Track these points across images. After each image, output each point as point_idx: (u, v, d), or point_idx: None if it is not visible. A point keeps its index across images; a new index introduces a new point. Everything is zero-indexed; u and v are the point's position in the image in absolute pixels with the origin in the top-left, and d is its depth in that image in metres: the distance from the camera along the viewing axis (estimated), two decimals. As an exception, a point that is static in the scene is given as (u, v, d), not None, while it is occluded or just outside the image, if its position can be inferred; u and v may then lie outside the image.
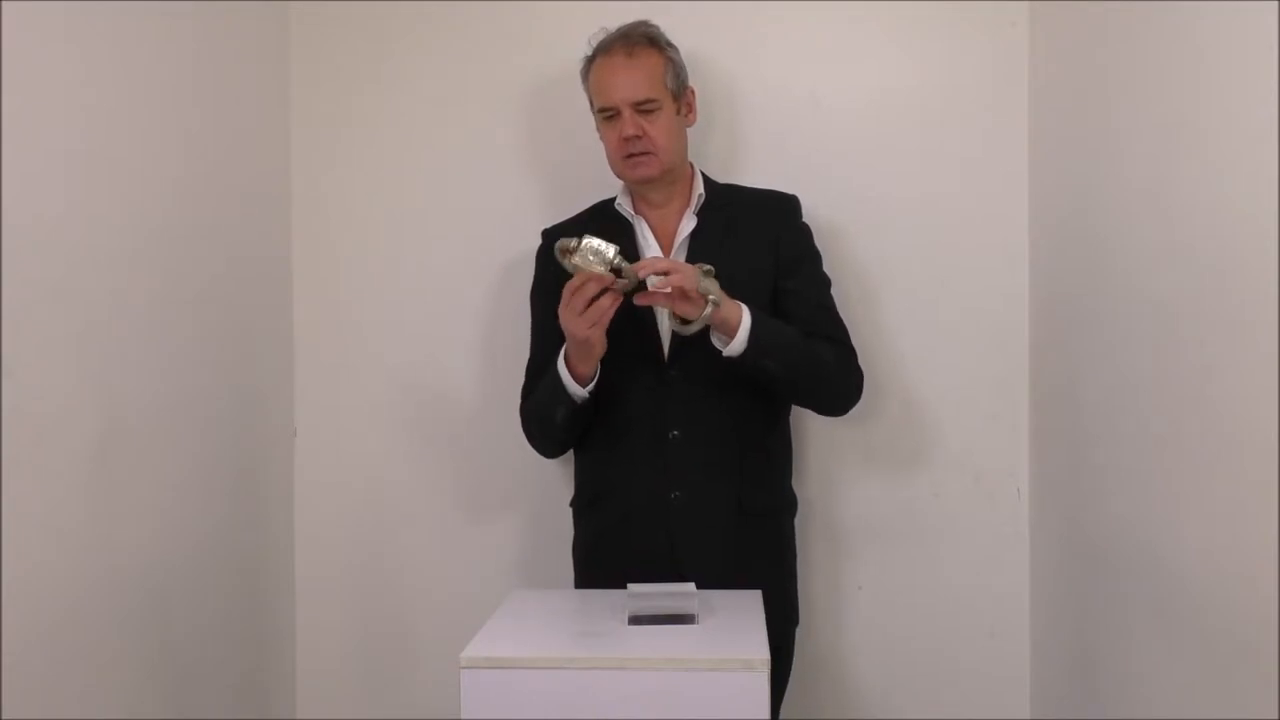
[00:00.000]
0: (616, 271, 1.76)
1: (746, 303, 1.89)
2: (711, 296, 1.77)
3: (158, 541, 1.91)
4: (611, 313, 1.79)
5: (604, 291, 1.76)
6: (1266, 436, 1.35)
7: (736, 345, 1.83)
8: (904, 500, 2.32)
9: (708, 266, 1.80)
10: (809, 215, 2.10)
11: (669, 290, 1.76)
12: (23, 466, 1.56)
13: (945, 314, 2.30)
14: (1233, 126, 1.45)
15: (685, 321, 1.81)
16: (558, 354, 1.95)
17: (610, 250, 1.75)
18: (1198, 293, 1.54)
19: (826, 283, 2.06)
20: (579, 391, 1.91)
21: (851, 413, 2.05)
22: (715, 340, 1.85)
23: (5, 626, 1.53)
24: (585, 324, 1.79)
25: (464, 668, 1.50)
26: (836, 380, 1.99)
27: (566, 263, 1.77)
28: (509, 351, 2.23)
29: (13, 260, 1.54)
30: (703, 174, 2.09)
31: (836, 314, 2.03)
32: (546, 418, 1.99)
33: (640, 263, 1.81)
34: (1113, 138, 1.87)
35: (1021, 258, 2.28)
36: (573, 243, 1.76)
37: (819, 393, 2.01)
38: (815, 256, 2.07)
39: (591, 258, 1.74)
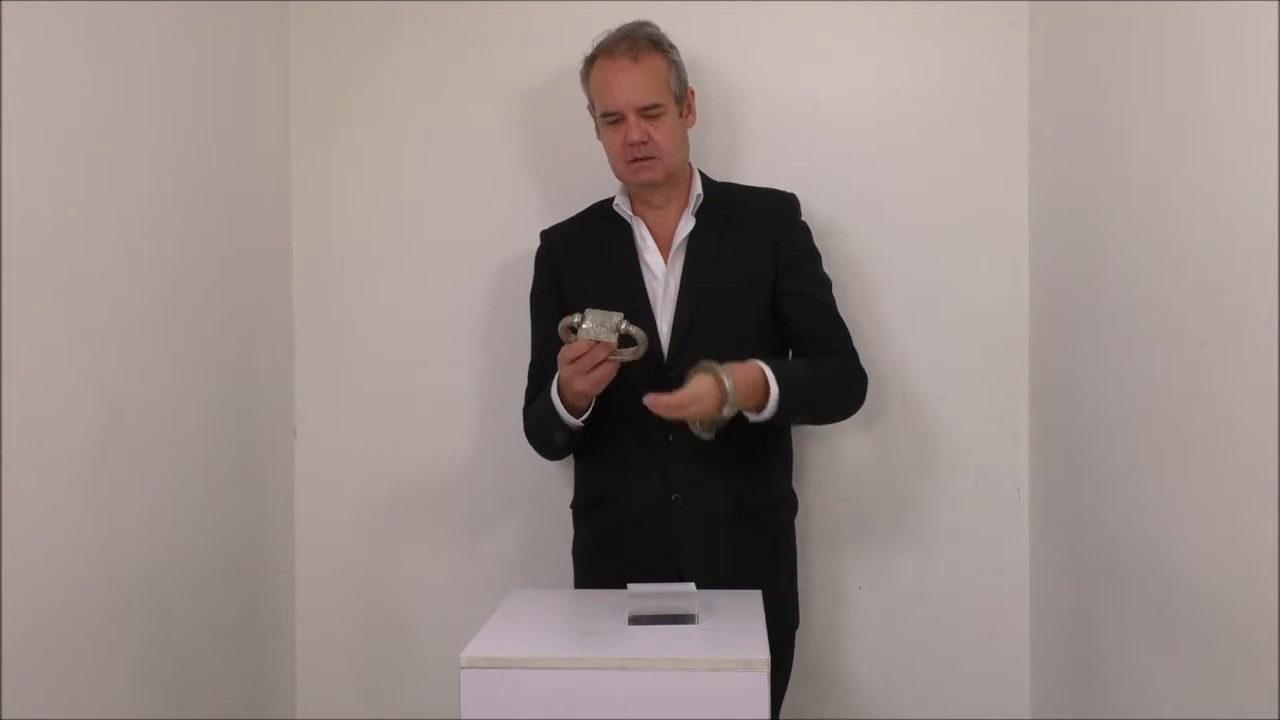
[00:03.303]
0: (626, 337, 1.78)
1: (744, 302, 1.91)
2: (703, 434, 1.78)
3: (158, 541, 1.91)
4: (612, 375, 1.82)
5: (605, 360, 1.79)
6: (1266, 436, 1.35)
7: (766, 414, 1.83)
8: (904, 500, 2.32)
9: (727, 390, 1.74)
10: (809, 215, 2.10)
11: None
12: (23, 466, 1.56)
13: (945, 314, 2.30)
14: (1233, 126, 1.45)
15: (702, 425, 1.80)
16: (555, 353, 1.96)
17: (616, 317, 1.78)
18: (1198, 293, 1.54)
19: (827, 282, 2.06)
20: (575, 422, 1.93)
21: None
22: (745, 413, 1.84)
23: (5, 626, 1.53)
24: (588, 383, 1.82)
25: (464, 668, 1.50)
26: (847, 399, 2.01)
27: (571, 339, 1.79)
28: (509, 351, 2.24)
29: (13, 260, 1.54)
30: (701, 173, 2.09)
31: (837, 315, 2.03)
32: (546, 436, 2.01)
33: (653, 401, 1.74)
34: (1113, 137, 1.87)
35: (1021, 258, 2.28)
36: (576, 318, 1.79)
37: (833, 417, 2.04)
38: (815, 256, 2.07)
39: (599, 328, 1.77)
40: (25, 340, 1.57)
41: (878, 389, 2.24)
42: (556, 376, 1.91)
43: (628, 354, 1.80)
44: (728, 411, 1.75)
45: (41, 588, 1.61)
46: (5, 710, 1.52)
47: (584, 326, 1.78)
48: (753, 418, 1.84)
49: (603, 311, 1.79)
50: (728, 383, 1.73)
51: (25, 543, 1.56)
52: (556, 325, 2.02)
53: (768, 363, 1.84)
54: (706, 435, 1.79)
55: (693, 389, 1.74)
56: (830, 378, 1.96)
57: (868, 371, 2.04)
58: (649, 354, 1.90)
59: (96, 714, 1.73)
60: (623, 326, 1.78)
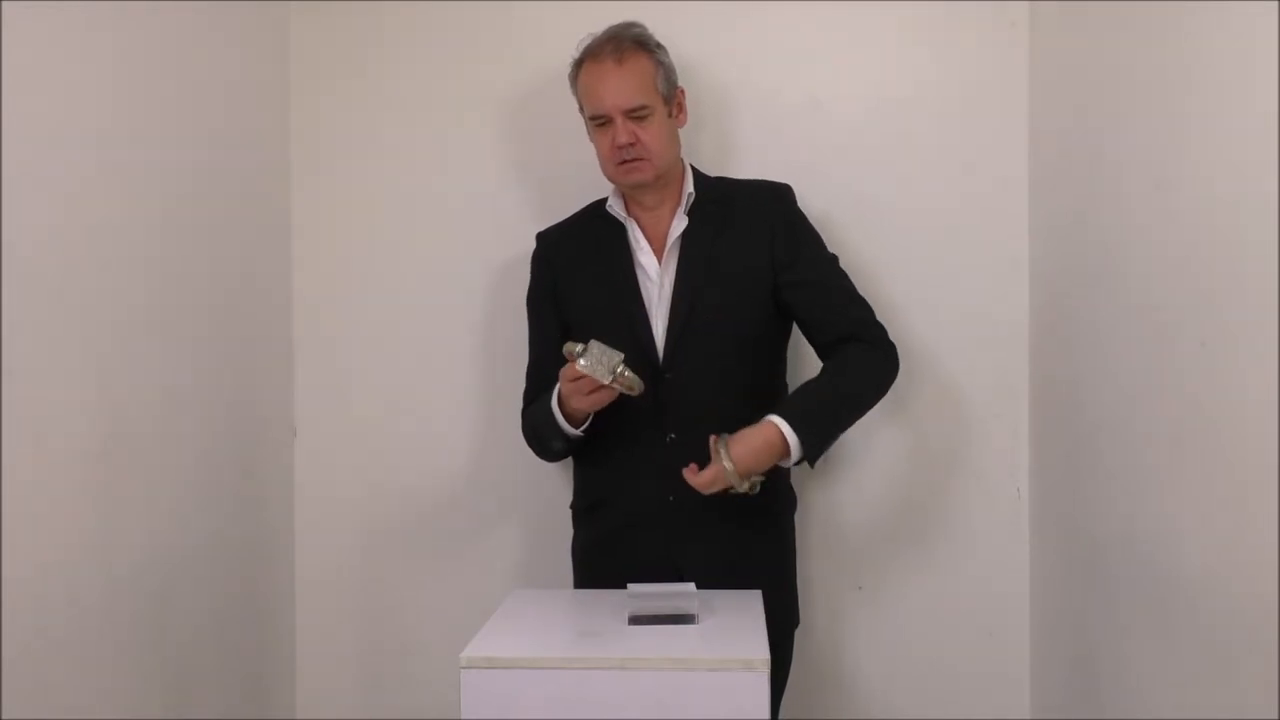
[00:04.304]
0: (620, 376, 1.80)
1: (740, 299, 1.91)
2: (745, 489, 1.79)
3: (158, 542, 1.91)
4: (610, 400, 1.84)
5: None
6: (1266, 436, 1.35)
7: (794, 459, 1.84)
8: (904, 500, 2.32)
9: (727, 473, 1.78)
10: (810, 216, 2.09)
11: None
12: (23, 467, 1.56)
13: (945, 314, 2.30)
14: (1232, 126, 1.45)
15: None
16: (553, 354, 1.97)
17: (616, 358, 1.78)
18: (1197, 292, 1.54)
19: (831, 261, 2.04)
20: (574, 432, 1.93)
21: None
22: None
23: (5, 626, 1.53)
24: (586, 403, 1.84)
25: (464, 668, 1.50)
26: (878, 383, 1.98)
27: (572, 364, 1.81)
28: (508, 351, 2.24)
29: (14, 260, 1.54)
30: (694, 169, 2.08)
31: (853, 290, 2.02)
32: (544, 443, 2.03)
33: (691, 479, 1.82)
34: (1113, 137, 1.87)
35: (1021, 258, 2.28)
36: (578, 347, 1.80)
37: (873, 405, 2.00)
38: (814, 240, 2.05)
39: (597, 365, 1.78)
40: (26, 340, 1.57)
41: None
42: (557, 387, 1.91)
43: (621, 387, 1.81)
44: (739, 489, 1.78)
45: (42, 588, 1.61)
46: (5, 710, 1.52)
47: (581, 362, 1.79)
48: (786, 464, 1.85)
49: (604, 348, 1.80)
50: (728, 466, 1.77)
51: (26, 542, 1.57)
52: (554, 327, 2.05)
53: (782, 411, 1.84)
54: (747, 490, 1.81)
55: (712, 474, 1.80)
56: (850, 378, 1.94)
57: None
58: (646, 357, 1.93)
59: (96, 714, 1.73)
60: (619, 370, 1.79)
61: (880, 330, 2.00)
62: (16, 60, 1.56)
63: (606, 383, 1.79)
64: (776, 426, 1.82)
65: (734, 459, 1.78)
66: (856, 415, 1.96)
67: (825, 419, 1.89)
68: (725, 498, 1.85)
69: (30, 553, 1.58)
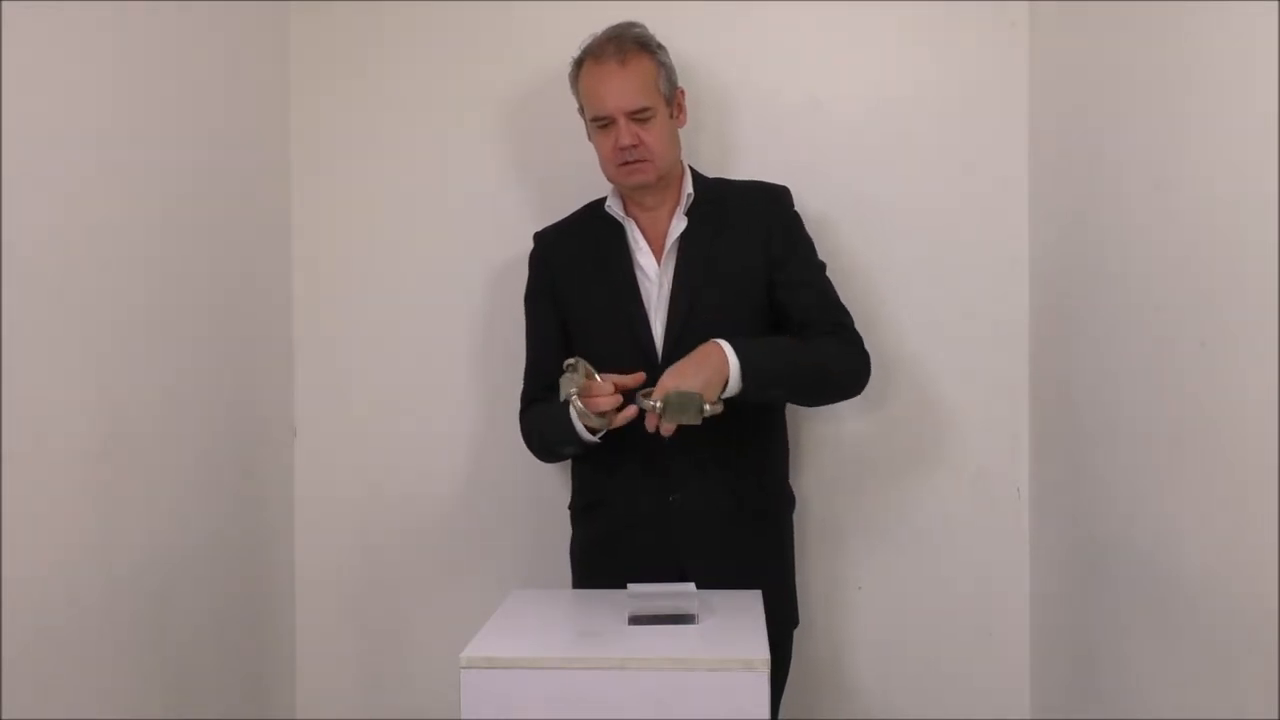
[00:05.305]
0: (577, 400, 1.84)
1: (739, 299, 1.90)
2: (684, 420, 1.77)
3: (158, 542, 1.91)
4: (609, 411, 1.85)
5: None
6: (1266, 436, 1.35)
7: (731, 388, 1.82)
8: (904, 500, 2.32)
9: (656, 401, 1.78)
10: (809, 216, 2.09)
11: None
12: (23, 467, 1.56)
13: (945, 314, 2.30)
14: (1232, 126, 1.45)
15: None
16: (551, 354, 1.96)
17: (572, 387, 1.82)
18: (1197, 292, 1.54)
19: (821, 267, 2.05)
20: (591, 440, 1.93)
21: (852, 412, 2.04)
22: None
23: (5, 627, 1.53)
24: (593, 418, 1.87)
25: (464, 668, 1.50)
26: (843, 374, 1.97)
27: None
28: (508, 350, 2.24)
29: (14, 260, 1.54)
30: (692, 170, 2.08)
31: (835, 297, 2.02)
32: (552, 449, 2.03)
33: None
34: (1113, 137, 1.87)
35: (1021, 258, 2.28)
36: (569, 361, 1.83)
37: (830, 392, 2.01)
38: (807, 244, 2.06)
39: (564, 381, 1.83)
40: (26, 340, 1.57)
41: (877, 389, 2.24)
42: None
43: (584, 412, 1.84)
44: (685, 419, 1.76)
45: (42, 588, 1.61)
46: (5, 710, 1.52)
47: (561, 378, 1.84)
48: (724, 394, 1.83)
49: (577, 372, 1.82)
50: (643, 403, 1.78)
51: (26, 542, 1.57)
52: (552, 327, 2.05)
53: (731, 339, 1.83)
54: (694, 420, 1.78)
55: (651, 420, 1.80)
56: (815, 352, 1.93)
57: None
58: (646, 357, 1.93)
59: (96, 714, 1.73)
60: (569, 395, 1.82)
61: (858, 336, 2.00)
62: (16, 60, 1.56)
63: (571, 401, 1.83)
64: (717, 343, 1.83)
65: (673, 375, 1.78)
66: (809, 381, 1.94)
67: (770, 357, 1.87)
68: (728, 496, 1.86)
69: (30, 553, 1.58)
